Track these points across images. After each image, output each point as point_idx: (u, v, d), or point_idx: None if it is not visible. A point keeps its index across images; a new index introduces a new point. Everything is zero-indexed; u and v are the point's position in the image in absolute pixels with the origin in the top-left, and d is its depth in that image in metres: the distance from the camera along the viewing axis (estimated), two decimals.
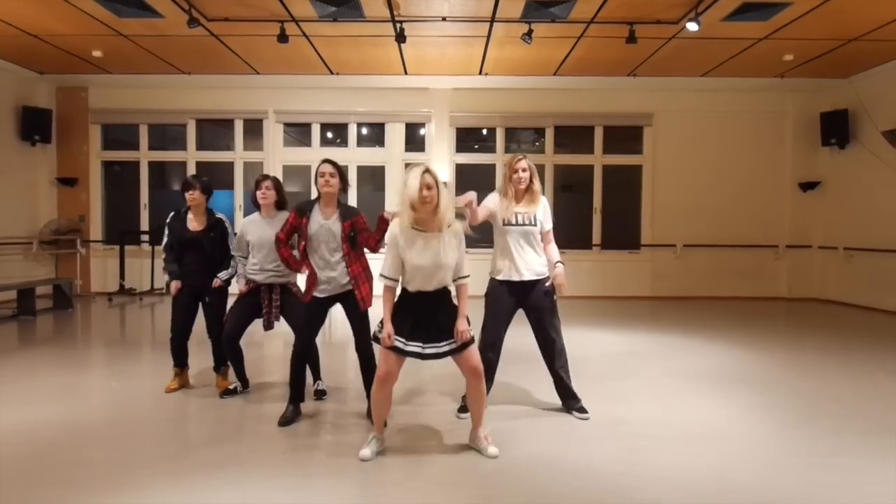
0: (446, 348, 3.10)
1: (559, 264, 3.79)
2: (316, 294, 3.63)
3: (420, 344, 3.08)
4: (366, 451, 3.12)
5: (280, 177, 9.84)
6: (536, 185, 3.83)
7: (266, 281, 4.08)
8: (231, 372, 4.37)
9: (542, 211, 3.82)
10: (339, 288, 3.64)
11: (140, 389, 4.36)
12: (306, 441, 3.42)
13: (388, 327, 3.08)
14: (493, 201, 3.80)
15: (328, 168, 3.72)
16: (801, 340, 6.56)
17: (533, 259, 3.76)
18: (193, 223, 4.24)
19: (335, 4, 6.47)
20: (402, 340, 3.07)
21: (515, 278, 3.71)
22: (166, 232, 4.27)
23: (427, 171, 3.03)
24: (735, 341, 6.23)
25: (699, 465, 3.03)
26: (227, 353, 4.16)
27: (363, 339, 3.67)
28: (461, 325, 3.12)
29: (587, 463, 3.05)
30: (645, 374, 4.90)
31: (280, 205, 4.22)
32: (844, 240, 9.22)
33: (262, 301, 4.09)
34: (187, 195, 4.19)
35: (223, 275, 4.26)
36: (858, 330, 7.18)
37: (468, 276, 3.26)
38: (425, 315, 3.11)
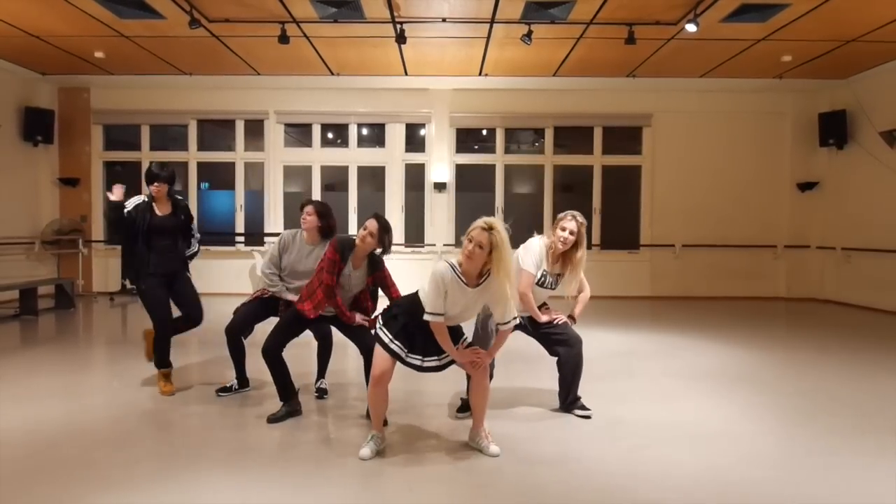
0: (445, 361, 3.19)
1: (571, 319, 3.83)
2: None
3: (420, 357, 3.14)
4: (365, 451, 3.13)
5: (280, 177, 9.94)
6: (580, 253, 3.65)
7: (291, 298, 4.00)
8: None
9: (576, 277, 3.74)
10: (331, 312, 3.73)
11: (141, 389, 4.38)
12: (307, 440, 3.45)
13: (452, 349, 3.11)
14: (537, 258, 3.66)
15: (374, 227, 3.55)
16: (800, 340, 6.59)
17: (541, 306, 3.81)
18: (159, 209, 4.25)
19: (336, 5, 6.50)
20: (405, 350, 3.11)
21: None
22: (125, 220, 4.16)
23: (488, 228, 2.93)
24: (734, 341, 6.27)
25: (699, 464, 3.06)
26: (229, 347, 4.16)
27: (363, 339, 3.66)
28: (487, 356, 3.19)
29: (587, 463, 3.07)
30: (645, 373, 4.93)
31: (326, 232, 4.02)
32: (842, 240, 9.25)
33: (280, 310, 4.07)
34: (153, 187, 4.17)
35: (188, 252, 4.41)
36: (857, 329, 7.22)
37: (508, 322, 3.14)
38: (426, 334, 3.12)
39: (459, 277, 3.02)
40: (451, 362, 3.18)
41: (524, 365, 4.97)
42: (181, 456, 3.15)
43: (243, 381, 4.30)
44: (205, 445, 3.31)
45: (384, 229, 3.55)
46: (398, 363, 3.14)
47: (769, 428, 3.63)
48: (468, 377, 3.35)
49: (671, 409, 3.99)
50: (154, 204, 4.23)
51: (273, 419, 3.65)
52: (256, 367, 4.97)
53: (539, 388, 4.42)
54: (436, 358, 3.15)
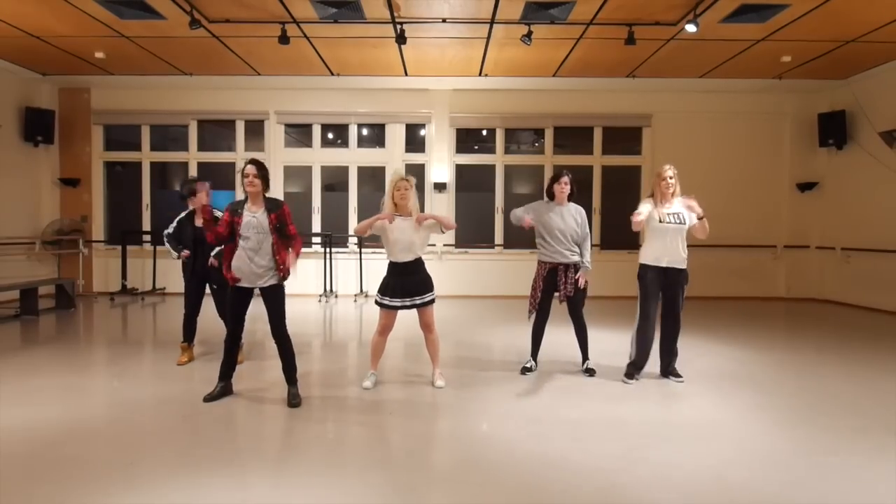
0: (417, 302, 4.29)
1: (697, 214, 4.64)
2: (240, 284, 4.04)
3: (398, 300, 4.26)
4: (367, 383, 4.37)
5: (280, 178, 9.96)
6: (678, 188, 4.69)
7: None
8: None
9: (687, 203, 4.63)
10: (258, 280, 4.02)
11: (141, 389, 4.40)
12: (306, 440, 3.46)
13: (376, 220, 4.31)
14: (647, 208, 4.58)
15: (252, 170, 4.02)
16: (800, 340, 6.60)
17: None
18: (199, 221, 4.82)
19: (336, 6, 6.50)
20: (388, 298, 4.28)
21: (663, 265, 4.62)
22: (175, 226, 5.10)
23: (403, 178, 4.32)
24: (734, 341, 6.28)
25: (698, 464, 3.07)
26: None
27: (279, 327, 4.05)
28: (429, 214, 4.34)
29: (587, 463, 3.08)
30: (645, 373, 4.93)
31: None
32: (842, 240, 9.26)
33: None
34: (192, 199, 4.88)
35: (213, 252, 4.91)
36: (856, 329, 7.22)
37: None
38: (401, 280, 4.27)
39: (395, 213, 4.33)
40: (408, 307, 4.26)
41: (521, 364, 4.98)
42: (180, 455, 3.15)
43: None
44: (204, 445, 3.32)
45: (260, 167, 4.05)
46: (396, 314, 4.33)
47: (768, 428, 3.64)
48: (425, 338, 4.49)
49: (671, 409, 4.00)
50: (195, 217, 5.00)
51: (210, 398, 4.05)
52: (254, 368, 4.99)
53: (539, 389, 4.43)
54: (399, 300, 4.25)
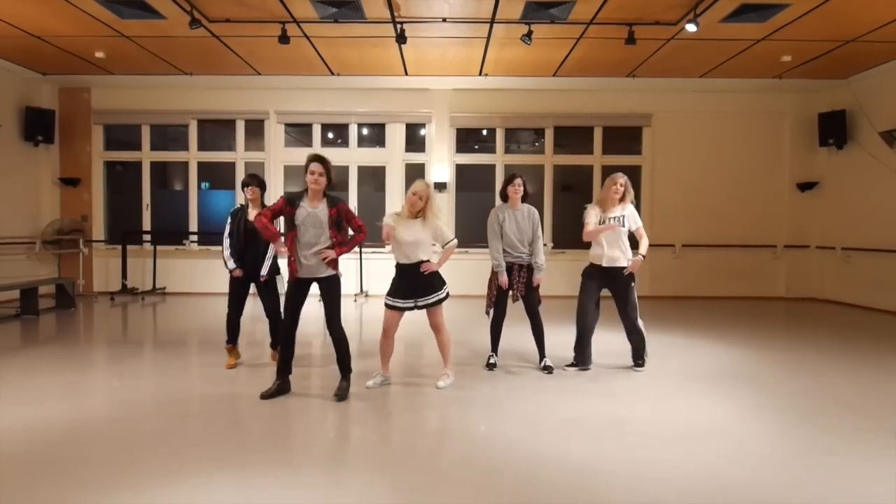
0: (422, 303, 4.29)
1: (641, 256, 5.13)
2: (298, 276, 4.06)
3: (402, 301, 4.28)
4: (370, 382, 4.35)
5: (280, 177, 9.96)
6: (630, 197, 5.11)
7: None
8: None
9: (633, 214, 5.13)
10: (318, 272, 4.06)
11: (142, 388, 4.40)
12: (306, 439, 3.46)
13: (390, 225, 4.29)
14: (595, 214, 5.01)
15: (318, 167, 3.99)
16: (800, 340, 6.59)
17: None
18: (252, 213, 4.82)
19: (336, 5, 6.50)
20: (392, 299, 4.28)
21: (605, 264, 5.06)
22: (228, 221, 4.91)
23: (425, 186, 4.34)
24: (734, 341, 6.28)
25: (698, 464, 3.07)
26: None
27: (333, 319, 4.11)
28: (430, 266, 4.31)
29: (587, 463, 3.08)
30: (645, 373, 4.94)
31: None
32: (842, 240, 9.26)
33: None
34: (247, 191, 4.84)
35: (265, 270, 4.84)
36: (856, 329, 7.22)
37: (452, 240, 4.47)
38: (408, 282, 4.28)
39: (406, 216, 4.31)
40: (412, 308, 4.27)
41: (522, 364, 4.98)
42: (181, 456, 3.15)
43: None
44: (205, 444, 3.32)
45: (325, 164, 4.03)
46: (402, 315, 4.33)
47: (768, 428, 3.64)
48: (436, 338, 4.48)
49: (671, 409, 4.00)
50: (249, 210, 4.91)
51: (268, 395, 4.05)
52: (256, 362, 4.99)
53: (538, 388, 4.43)
54: (404, 301, 4.26)
